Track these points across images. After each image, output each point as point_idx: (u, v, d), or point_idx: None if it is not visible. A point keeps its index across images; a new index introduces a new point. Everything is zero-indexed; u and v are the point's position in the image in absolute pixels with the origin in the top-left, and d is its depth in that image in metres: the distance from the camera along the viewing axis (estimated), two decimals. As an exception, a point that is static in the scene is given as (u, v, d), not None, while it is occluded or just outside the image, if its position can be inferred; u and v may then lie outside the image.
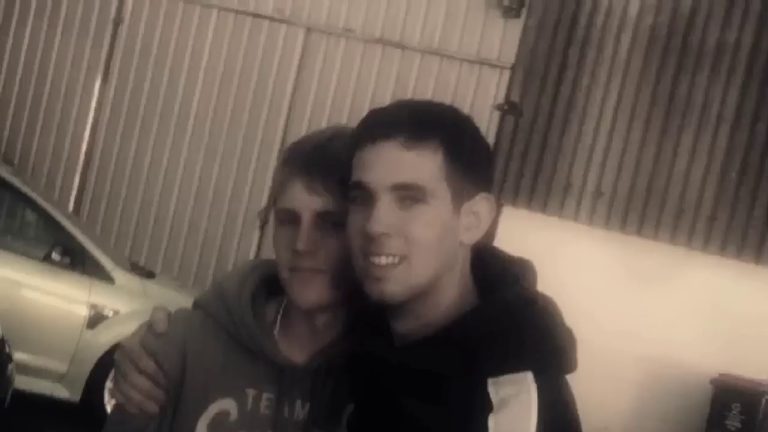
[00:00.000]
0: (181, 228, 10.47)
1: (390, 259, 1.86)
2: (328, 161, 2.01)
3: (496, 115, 10.13)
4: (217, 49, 10.51)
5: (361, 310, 2.01)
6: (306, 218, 2.03)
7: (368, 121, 1.94)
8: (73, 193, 10.46)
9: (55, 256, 7.35)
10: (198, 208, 10.40)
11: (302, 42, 10.44)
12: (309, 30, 10.42)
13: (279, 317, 2.17)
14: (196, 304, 2.26)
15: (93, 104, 10.55)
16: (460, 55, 10.27)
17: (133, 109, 10.54)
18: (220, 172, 10.44)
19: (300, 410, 2.13)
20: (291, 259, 2.04)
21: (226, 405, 2.14)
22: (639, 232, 9.86)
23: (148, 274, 8.12)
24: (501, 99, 10.16)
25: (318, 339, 2.11)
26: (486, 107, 10.11)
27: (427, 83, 10.11)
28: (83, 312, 7.34)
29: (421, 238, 1.86)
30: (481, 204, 1.91)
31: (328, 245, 2.02)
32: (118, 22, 10.53)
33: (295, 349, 2.12)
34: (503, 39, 10.30)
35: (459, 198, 1.88)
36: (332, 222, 2.00)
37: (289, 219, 2.05)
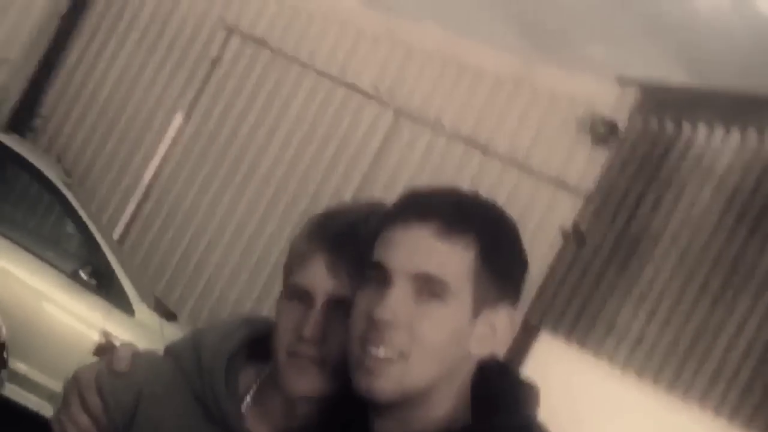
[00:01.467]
0: (217, 281, 10.38)
1: (389, 353, 1.71)
2: (358, 244, 1.87)
3: (560, 238, 10.00)
4: (304, 110, 10.50)
5: (343, 401, 1.87)
6: (320, 302, 1.90)
7: (405, 200, 1.82)
8: (123, 221, 10.44)
9: (83, 274, 7.36)
10: (239, 267, 10.29)
11: (389, 123, 10.39)
12: (399, 112, 10.40)
13: (255, 387, 2.02)
14: (168, 351, 2.11)
15: (167, 138, 10.57)
16: (540, 171, 10.16)
17: (204, 152, 10.55)
18: (271, 237, 10.32)
19: None
20: (292, 342, 1.91)
21: None
22: (670, 388, 9.59)
23: (170, 316, 8.05)
24: (569, 224, 10.03)
25: (290, 422, 1.98)
26: (552, 228, 9.95)
27: (499, 190, 10.01)
28: (94, 337, 7.27)
29: (428, 338, 1.72)
30: (501, 317, 1.77)
31: (336, 335, 1.87)
32: (215, 63, 10.59)
33: (263, 427, 1.97)
34: (586, 165, 10.16)
35: (480, 304, 1.75)
36: (345, 309, 1.85)
37: (300, 297, 1.92)
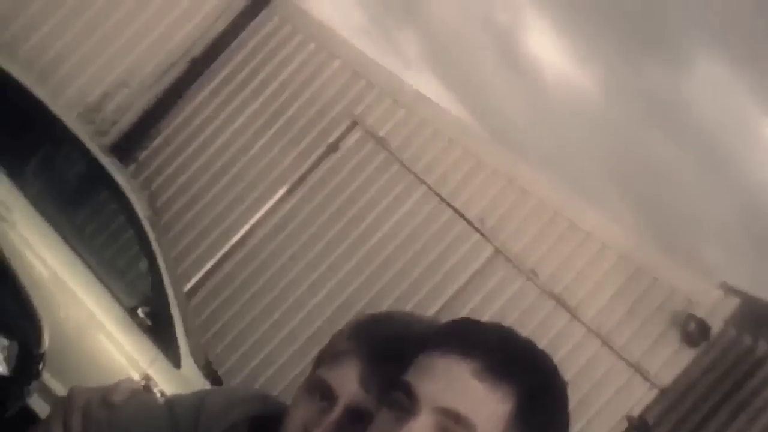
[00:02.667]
0: (273, 362, 10.09)
1: None
2: (397, 360, 1.73)
3: (623, 424, 9.61)
4: (405, 220, 10.33)
5: None
6: (341, 406, 1.78)
7: (452, 327, 1.68)
8: (198, 275, 10.28)
9: (141, 312, 7.17)
10: (300, 354, 10.02)
11: (485, 259, 10.17)
12: (497, 252, 10.16)
13: None
14: (168, 401, 1.98)
15: (263, 209, 10.44)
16: (622, 351, 9.82)
17: (296, 233, 10.40)
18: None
19: None
20: None
21: None
22: None
23: (216, 380, 7.79)
24: (636, 413, 9.62)
25: None
26: (617, 412, 9.60)
27: (575, 358, 9.67)
28: (135, 378, 7.04)
29: None
30: None
31: None
32: (332, 149, 10.49)
33: None
34: (669, 359, 9.84)
35: None
36: (364, 423, 1.73)
37: (322, 393, 1.82)
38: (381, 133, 10.53)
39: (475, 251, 10.20)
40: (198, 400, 1.93)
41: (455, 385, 1.58)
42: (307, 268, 10.34)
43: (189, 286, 10.05)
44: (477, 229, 10.22)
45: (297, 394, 1.87)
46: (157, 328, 7.19)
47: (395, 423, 1.60)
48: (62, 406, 1.93)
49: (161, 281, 7.48)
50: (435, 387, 1.59)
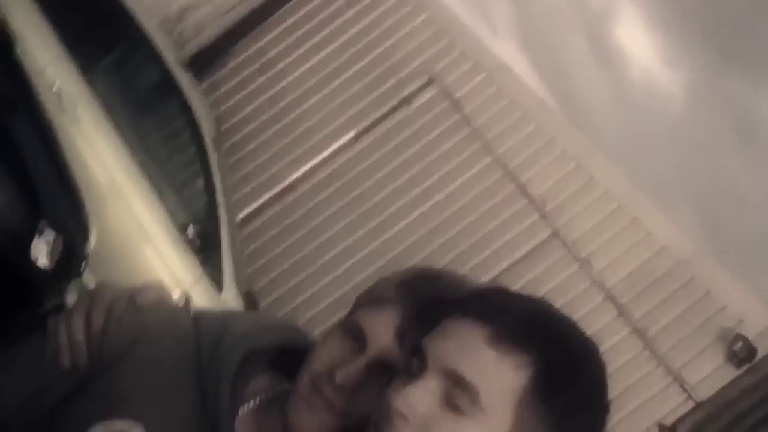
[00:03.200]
0: (314, 305, 9.88)
1: None
2: (431, 324, 1.65)
3: (654, 431, 9.41)
4: (466, 187, 10.14)
5: None
6: (371, 353, 1.72)
7: (480, 293, 1.62)
8: (252, 207, 10.20)
9: (190, 231, 6.99)
10: (345, 299, 9.41)
11: (541, 240, 9.96)
12: (554, 235, 9.96)
13: (261, 397, 1.81)
14: (196, 315, 1.91)
15: (327, 151, 10.35)
16: (663, 356, 9.61)
17: (357, 181, 10.27)
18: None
19: None
20: (322, 375, 1.71)
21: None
22: None
23: (252, 304, 7.65)
24: (668, 421, 9.41)
25: None
26: (650, 417, 9.38)
27: (615, 356, 9.41)
28: (174, 296, 6.89)
29: None
30: None
31: (368, 396, 1.71)
32: (404, 103, 10.33)
33: None
34: (710, 374, 9.62)
35: None
36: (386, 371, 1.69)
37: (354, 336, 1.76)
38: (456, 95, 10.35)
39: (532, 230, 10.01)
40: (226, 318, 1.86)
41: (465, 350, 1.49)
42: (363, 216, 10.17)
43: (242, 215, 9.93)
44: (538, 209, 10.03)
45: (329, 331, 1.82)
46: (205, 250, 7.01)
47: (401, 387, 1.54)
48: (88, 298, 1.87)
49: (215, 204, 7.37)
50: (444, 349, 1.51)
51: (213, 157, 7.63)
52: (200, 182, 7.66)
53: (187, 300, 6.76)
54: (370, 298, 1.83)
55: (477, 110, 10.28)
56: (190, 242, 6.95)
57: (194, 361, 1.80)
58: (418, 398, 1.49)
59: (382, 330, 1.73)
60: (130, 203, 6.95)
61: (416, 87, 10.36)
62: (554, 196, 10.05)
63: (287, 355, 1.83)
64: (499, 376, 1.47)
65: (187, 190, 7.91)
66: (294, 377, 1.78)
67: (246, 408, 1.80)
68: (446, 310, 1.60)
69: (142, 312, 1.83)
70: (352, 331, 1.78)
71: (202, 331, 1.84)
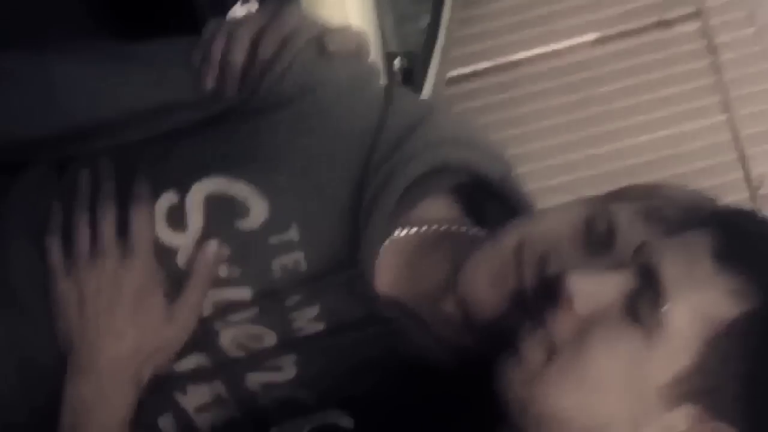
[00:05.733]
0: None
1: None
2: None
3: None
4: (687, 137, 8.96)
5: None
6: (624, 251, 1.39)
7: (724, 208, 1.52)
8: (464, 70, 9.29)
9: (397, 62, 6.53)
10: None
11: (745, 196, 9.42)
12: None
13: (421, 228, 1.48)
14: (389, 94, 1.58)
15: (562, 43, 9.47)
16: None
17: (579, 85, 9.26)
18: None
19: (307, 324, 1.41)
20: (534, 248, 1.38)
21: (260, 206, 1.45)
22: None
23: None
24: None
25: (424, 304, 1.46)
26: None
27: None
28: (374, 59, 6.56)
29: (591, 357, 1.23)
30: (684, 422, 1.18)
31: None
32: (662, 26, 9.46)
33: (390, 288, 1.45)
34: None
35: (696, 391, 1.21)
36: None
37: (596, 234, 1.41)
38: (717, 40, 9.63)
39: (737, 193, 9.42)
40: (424, 112, 1.53)
41: (681, 252, 1.26)
42: (569, 124, 9.55)
43: (450, 74, 9.48)
44: (750, 188, 9.39)
45: (570, 204, 1.48)
46: (411, 80, 6.66)
47: (594, 260, 1.36)
48: (267, 15, 1.51)
49: (432, 48, 6.82)
50: (659, 247, 1.28)
51: (448, 3, 7.24)
52: (425, 20, 7.23)
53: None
54: (635, 190, 1.60)
55: (732, 63, 9.55)
56: (390, 72, 6.62)
57: (367, 145, 1.48)
58: (603, 287, 1.26)
59: (637, 229, 1.42)
60: (348, 17, 6.65)
61: (680, 15, 9.72)
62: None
63: (477, 192, 1.52)
64: (704, 293, 1.23)
65: (409, 24, 7.56)
66: (480, 222, 1.49)
67: (402, 232, 1.48)
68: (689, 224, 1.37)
69: (326, 60, 1.51)
70: (597, 229, 1.44)
71: (390, 111, 1.51)
